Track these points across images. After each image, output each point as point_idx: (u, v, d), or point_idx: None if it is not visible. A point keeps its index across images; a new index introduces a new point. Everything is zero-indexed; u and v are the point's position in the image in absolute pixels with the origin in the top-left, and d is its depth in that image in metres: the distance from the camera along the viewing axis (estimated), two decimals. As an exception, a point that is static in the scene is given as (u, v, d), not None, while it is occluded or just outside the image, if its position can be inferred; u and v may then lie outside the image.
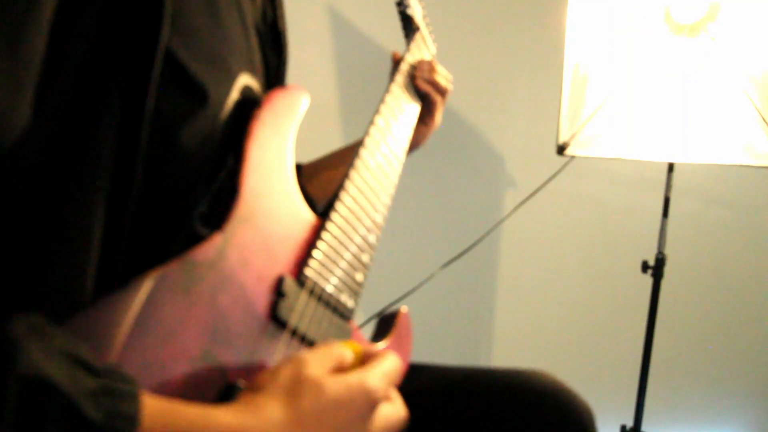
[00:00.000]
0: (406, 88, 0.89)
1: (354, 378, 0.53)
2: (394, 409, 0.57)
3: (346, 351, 0.56)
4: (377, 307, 1.45)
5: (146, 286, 0.47)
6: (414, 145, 0.99)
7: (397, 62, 0.93)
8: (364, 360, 0.57)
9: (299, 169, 0.95)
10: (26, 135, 0.46)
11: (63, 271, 0.48)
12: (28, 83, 0.46)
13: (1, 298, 0.46)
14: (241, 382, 0.52)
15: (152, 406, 0.43)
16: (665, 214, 1.51)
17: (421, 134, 0.99)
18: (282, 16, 0.79)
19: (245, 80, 0.63)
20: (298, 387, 0.50)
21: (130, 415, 0.41)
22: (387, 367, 0.56)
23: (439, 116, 0.99)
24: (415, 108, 0.91)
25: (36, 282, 0.47)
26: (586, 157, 1.49)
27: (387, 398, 0.57)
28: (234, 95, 0.61)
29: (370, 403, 0.53)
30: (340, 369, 0.54)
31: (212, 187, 0.60)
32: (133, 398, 0.42)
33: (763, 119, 1.35)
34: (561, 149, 1.47)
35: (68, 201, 0.48)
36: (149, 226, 0.54)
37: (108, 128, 0.49)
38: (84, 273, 0.48)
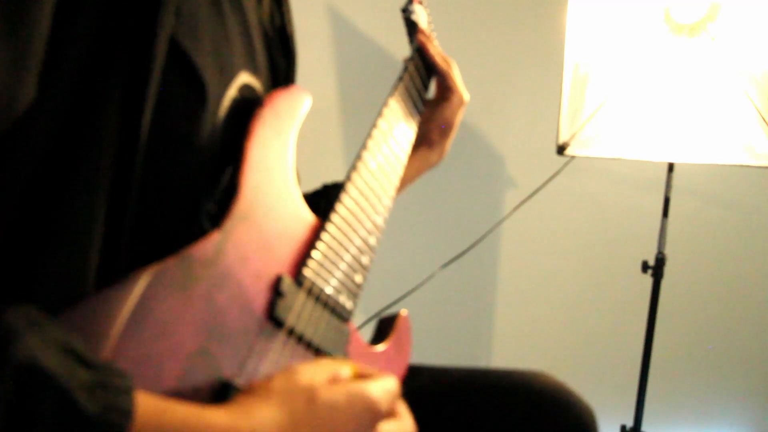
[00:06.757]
0: (410, 92, 0.88)
1: (354, 385, 0.53)
2: (400, 427, 0.57)
3: (343, 367, 0.55)
4: (377, 308, 1.45)
5: (143, 281, 0.47)
6: (447, 124, 0.94)
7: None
8: (362, 378, 0.56)
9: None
10: (31, 116, 0.46)
11: (64, 263, 0.47)
12: (31, 62, 0.46)
13: (2, 289, 0.46)
14: (238, 382, 0.52)
15: (146, 402, 0.43)
16: (665, 214, 1.51)
17: (449, 112, 0.94)
18: (290, 22, 0.79)
19: (245, 78, 0.63)
20: (291, 392, 0.50)
21: (125, 409, 0.41)
22: (388, 384, 0.56)
23: (458, 88, 0.93)
24: (419, 111, 0.90)
25: (37, 274, 0.47)
26: (586, 157, 1.49)
27: (393, 414, 0.57)
28: (232, 92, 0.60)
29: (370, 411, 0.52)
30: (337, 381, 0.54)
31: (219, 186, 0.60)
32: (127, 393, 0.42)
33: (763, 119, 1.35)
34: (561, 149, 1.46)
35: (71, 190, 0.48)
36: (153, 221, 0.54)
37: (111, 116, 0.49)
38: (86, 266, 0.48)
